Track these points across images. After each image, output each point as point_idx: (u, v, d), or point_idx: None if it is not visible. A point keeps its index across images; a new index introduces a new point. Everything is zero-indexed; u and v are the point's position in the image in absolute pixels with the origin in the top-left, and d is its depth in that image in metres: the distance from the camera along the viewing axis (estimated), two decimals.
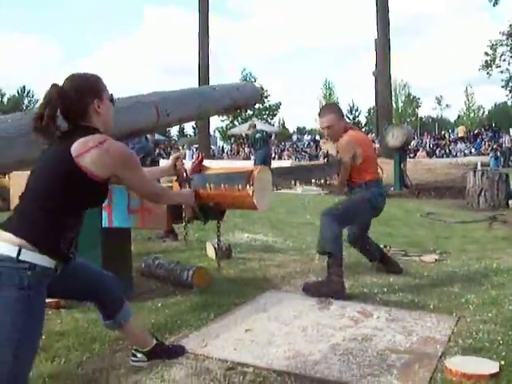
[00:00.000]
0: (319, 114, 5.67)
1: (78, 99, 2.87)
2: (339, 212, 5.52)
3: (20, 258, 2.63)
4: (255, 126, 18.16)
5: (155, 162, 8.89)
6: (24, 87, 76.95)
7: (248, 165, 16.15)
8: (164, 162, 4.37)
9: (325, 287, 5.31)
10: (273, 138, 49.79)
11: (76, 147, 2.73)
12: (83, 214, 2.96)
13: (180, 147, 41.41)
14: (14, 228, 2.70)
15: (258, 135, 16.68)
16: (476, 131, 44.00)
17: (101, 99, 2.96)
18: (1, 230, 2.71)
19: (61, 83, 2.89)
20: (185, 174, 3.84)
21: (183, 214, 4.40)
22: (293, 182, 4.82)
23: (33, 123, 2.82)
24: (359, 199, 5.60)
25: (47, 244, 2.72)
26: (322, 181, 15.58)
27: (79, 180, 2.74)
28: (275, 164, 21.37)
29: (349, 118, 70.82)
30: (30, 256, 2.66)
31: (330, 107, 5.80)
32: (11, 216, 2.81)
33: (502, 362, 3.64)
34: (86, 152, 2.72)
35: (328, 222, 5.41)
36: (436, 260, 6.99)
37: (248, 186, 3.98)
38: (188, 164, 4.27)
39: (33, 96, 76.80)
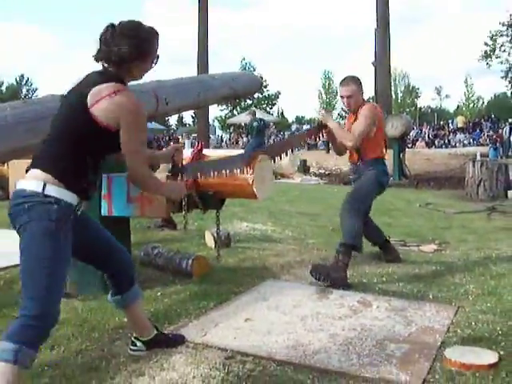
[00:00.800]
0: (342, 83, 5.71)
1: (133, 46, 2.97)
2: (359, 201, 5.59)
3: (45, 192, 2.80)
4: (255, 113, 18.11)
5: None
6: (22, 76, 76.79)
7: None
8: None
9: (332, 273, 5.31)
10: (272, 127, 49.79)
11: (91, 97, 2.86)
12: (103, 158, 3.09)
13: (179, 137, 41.36)
14: (39, 165, 2.88)
15: (255, 123, 16.61)
16: (475, 121, 43.94)
17: (145, 60, 3.08)
18: (30, 168, 2.91)
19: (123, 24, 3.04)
20: (180, 165, 3.80)
21: (183, 203, 4.40)
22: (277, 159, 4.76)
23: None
24: (371, 180, 5.64)
25: (70, 180, 2.86)
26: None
27: (93, 128, 2.87)
28: None
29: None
30: (55, 191, 2.82)
31: (354, 78, 5.79)
32: (35, 155, 2.99)
33: (501, 352, 3.64)
34: (98, 102, 2.85)
35: (351, 214, 5.47)
36: (435, 250, 6.99)
37: (247, 171, 3.97)
38: (187, 153, 4.26)
39: (31, 85, 76.68)
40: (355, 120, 5.63)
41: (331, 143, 5.90)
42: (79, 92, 2.94)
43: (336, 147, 5.88)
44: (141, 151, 3.04)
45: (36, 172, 2.86)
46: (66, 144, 2.90)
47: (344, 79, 5.76)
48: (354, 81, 5.73)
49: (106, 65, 3.02)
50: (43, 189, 2.79)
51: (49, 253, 2.77)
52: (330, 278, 5.28)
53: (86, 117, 2.86)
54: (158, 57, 3.16)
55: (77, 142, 2.89)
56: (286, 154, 5.10)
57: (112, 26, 3.01)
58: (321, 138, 5.94)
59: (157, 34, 3.14)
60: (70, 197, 2.86)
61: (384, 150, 5.91)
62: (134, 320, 3.59)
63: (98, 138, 2.91)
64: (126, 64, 3.00)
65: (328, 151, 5.92)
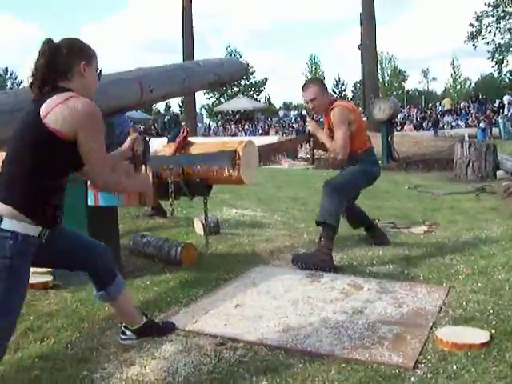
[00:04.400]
0: (302, 89, 5.66)
1: (66, 54, 2.87)
2: (341, 184, 5.53)
3: (1, 226, 2.65)
4: (159, 111, 17.89)
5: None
6: (6, 69, 76.14)
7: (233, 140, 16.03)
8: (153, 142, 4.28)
9: (314, 258, 5.31)
10: (259, 114, 49.71)
11: (44, 107, 2.73)
12: (64, 177, 2.95)
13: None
14: None
15: (166, 118, 16.35)
16: (462, 104, 44.02)
17: (89, 64, 2.96)
18: None
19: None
20: (141, 156, 3.58)
21: (170, 191, 4.37)
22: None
23: (30, 79, 2.87)
24: (359, 170, 5.59)
25: (30, 208, 2.72)
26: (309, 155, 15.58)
27: (49, 140, 2.73)
28: (263, 140, 21.23)
29: (335, 93, 70.74)
30: (12, 224, 2.67)
31: (313, 80, 5.84)
32: None
33: (493, 331, 3.65)
34: (52, 110, 2.72)
35: (330, 193, 5.43)
36: (425, 232, 6.99)
37: (234, 167, 3.96)
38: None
39: (16, 78, 76.03)
40: (329, 124, 5.60)
41: (314, 147, 5.91)
42: (33, 109, 2.82)
43: (320, 147, 5.91)
44: (106, 158, 2.97)
45: None
46: (22, 165, 2.76)
47: (304, 84, 5.74)
48: (314, 83, 5.74)
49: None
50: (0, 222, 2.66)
51: (1, 291, 2.66)
52: (313, 263, 5.29)
53: (39, 129, 2.72)
54: (100, 70, 3.11)
55: (33, 159, 2.74)
56: (276, 160, 5.10)
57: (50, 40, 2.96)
58: (308, 146, 5.91)
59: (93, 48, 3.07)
60: (30, 229, 2.73)
61: (369, 141, 5.88)
62: (122, 311, 3.56)
63: (54, 152, 2.76)
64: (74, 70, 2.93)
65: (312, 162, 5.89)
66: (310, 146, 5.77)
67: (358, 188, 5.75)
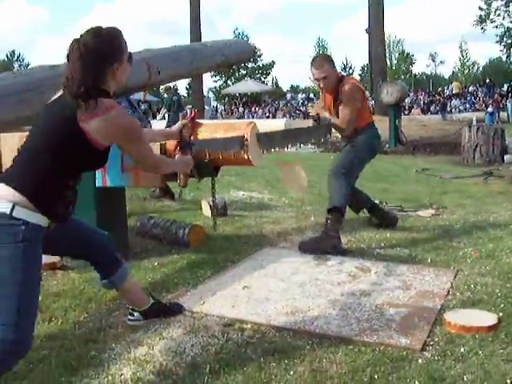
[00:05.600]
0: (314, 65, 5.55)
1: (98, 63, 2.74)
2: (346, 165, 5.51)
3: (13, 214, 2.61)
4: (171, 87, 17.64)
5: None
6: (13, 51, 76.07)
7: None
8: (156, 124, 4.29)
9: (321, 243, 5.30)
10: (266, 97, 49.57)
11: (82, 112, 2.64)
12: (81, 176, 2.94)
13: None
14: (10, 181, 2.68)
15: (174, 97, 16.21)
16: (471, 88, 43.82)
17: (120, 62, 2.86)
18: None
19: (83, 39, 2.73)
20: (188, 140, 3.85)
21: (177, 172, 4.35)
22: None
23: (63, 83, 2.74)
24: (361, 143, 5.57)
25: (43, 202, 2.69)
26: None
27: (81, 145, 2.69)
28: (269, 123, 21.18)
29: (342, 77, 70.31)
30: (24, 213, 2.63)
31: (323, 57, 5.73)
32: (8, 170, 2.79)
33: (501, 314, 3.64)
34: (92, 118, 2.65)
35: (336, 177, 5.44)
36: (432, 215, 6.97)
37: (243, 151, 3.97)
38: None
39: (23, 60, 75.99)
40: (335, 99, 5.54)
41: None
42: (69, 107, 2.68)
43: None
44: (150, 155, 3.05)
45: (5, 190, 2.65)
46: (44, 159, 2.70)
47: (315, 60, 5.65)
48: (326, 60, 5.63)
49: None
50: (11, 210, 2.60)
51: (18, 274, 2.61)
52: (320, 249, 5.27)
53: (74, 132, 2.66)
54: (130, 55, 2.98)
55: (58, 156, 2.70)
56: (287, 148, 5.06)
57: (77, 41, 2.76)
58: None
59: (121, 35, 2.93)
60: (41, 220, 2.69)
61: (370, 115, 5.89)
62: (128, 296, 3.57)
63: (84, 156, 2.76)
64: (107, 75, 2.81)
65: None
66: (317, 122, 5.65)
67: (362, 164, 5.69)
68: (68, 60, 2.73)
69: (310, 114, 5.62)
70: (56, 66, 4.65)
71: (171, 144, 4.06)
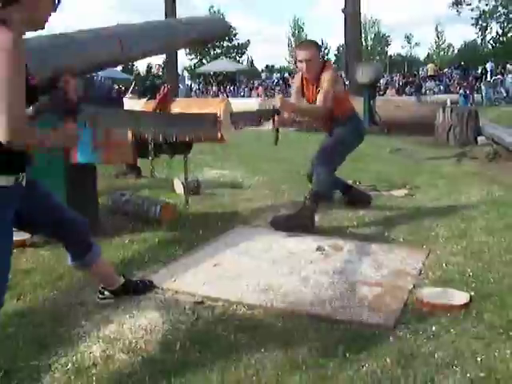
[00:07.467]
0: (301, 47, 5.54)
1: None
2: (332, 152, 5.51)
3: None
4: (139, 73, 17.28)
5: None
6: None
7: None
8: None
9: (293, 220, 5.29)
10: (241, 76, 49.34)
11: None
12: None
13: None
14: None
15: (147, 82, 15.76)
16: (446, 70, 43.97)
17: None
18: None
19: None
20: (74, 103, 2.97)
21: (149, 148, 4.30)
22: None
23: None
24: (349, 130, 5.56)
25: None
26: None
27: None
28: (245, 102, 21.09)
29: None
30: None
31: (312, 42, 5.69)
32: None
33: (472, 293, 3.67)
34: None
35: (321, 163, 5.44)
36: (406, 194, 6.99)
37: (216, 128, 3.92)
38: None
39: None
40: (317, 87, 5.46)
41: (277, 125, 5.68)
42: None
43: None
44: (13, 103, 2.32)
45: None
46: None
47: (302, 42, 5.70)
48: (313, 44, 5.61)
49: None
50: None
51: None
52: (291, 226, 5.27)
53: None
54: None
55: None
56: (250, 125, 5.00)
57: None
58: (272, 123, 5.57)
59: None
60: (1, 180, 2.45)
61: (353, 105, 5.86)
62: (100, 277, 3.55)
63: None
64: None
65: (276, 143, 5.50)
66: (273, 124, 5.28)
67: (349, 151, 5.68)
68: None
69: (275, 104, 5.39)
70: None
71: None
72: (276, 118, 5.16)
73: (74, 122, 2.86)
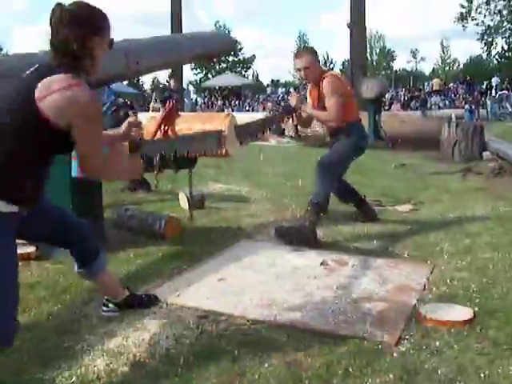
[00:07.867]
0: (297, 56, 5.58)
1: (78, 31, 2.53)
2: (332, 163, 5.53)
3: None
4: (158, 85, 17.45)
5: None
6: None
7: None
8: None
9: (296, 235, 5.31)
10: (247, 90, 49.47)
11: (40, 88, 2.41)
12: (49, 160, 2.66)
13: (152, 102, 40.90)
14: None
15: (166, 93, 16.00)
16: (451, 85, 44.03)
17: (102, 37, 2.64)
18: None
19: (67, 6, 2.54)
20: (137, 141, 3.29)
21: (154, 163, 4.31)
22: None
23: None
24: (348, 144, 5.58)
25: (7, 190, 2.49)
26: (293, 134, 15.57)
27: (39, 125, 2.43)
28: (250, 116, 21.12)
29: None
30: None
31: (307, 49, 5.79)
32: None
33: (476, 309, 3.66)
34: (49, 95, 2.41)
35: (322, 174, 5.45)
36: (410, 210, 6.99)
37: (222, 146, 3.92)
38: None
39: (1, 50, 75.02)
40: (319, 94, 5.54)
41: (297, 122, 5.93)
42: (27, 83, 2.47)
43: (302, 124, 6.00)
44: (96, 156, 2.62)
45: None
46: (4, 140, 2.45)
47: (298, 51, 5.76)
48: (308, 52, 5.66)
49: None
50: None
51: None
52: (294, 239, 5.28)
53: (30, 109, 2.40)
54: (112, 41, 2.76)
55: (17, 138, 2.44)
56: (257, 137, 5.05)
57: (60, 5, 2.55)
58: (292, 122, 5.88)
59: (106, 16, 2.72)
60: (7, 207, 2.49)
61: (358, 112, 5.88)
62: (104, 287, 3.56)
63: (42, 136, 2.46)
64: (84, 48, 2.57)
65: (298, 136, 5.72)
66: (292, 121, 5.72)
67: (348, 163, 5.71)
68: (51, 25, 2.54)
69: (291, 102, 5.60)
70: (31, 54, 4.57)
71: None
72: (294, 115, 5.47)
73: (140, 156, 3.24)
